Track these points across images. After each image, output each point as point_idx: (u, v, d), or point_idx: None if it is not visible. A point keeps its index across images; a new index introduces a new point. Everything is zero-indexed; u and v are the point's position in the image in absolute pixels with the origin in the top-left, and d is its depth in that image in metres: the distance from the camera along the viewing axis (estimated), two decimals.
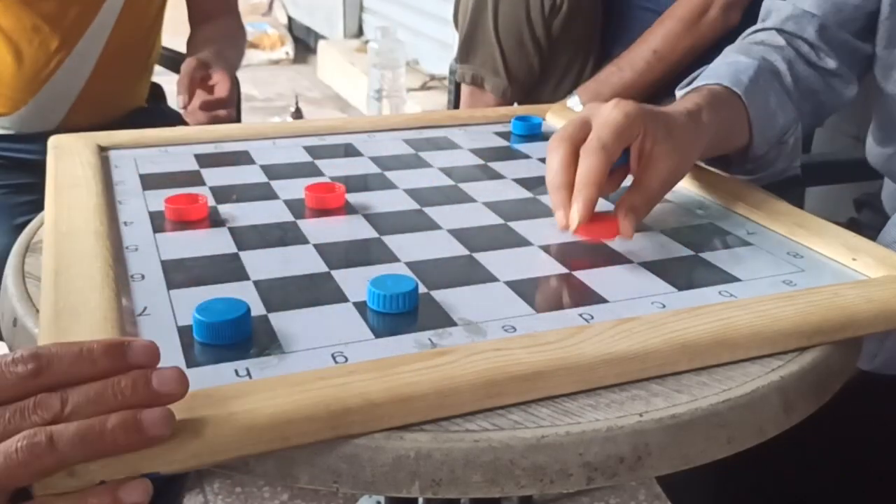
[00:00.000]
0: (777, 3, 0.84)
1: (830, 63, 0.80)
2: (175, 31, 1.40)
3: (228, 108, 1.15)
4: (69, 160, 0.71)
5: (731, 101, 0.72)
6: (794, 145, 0.78)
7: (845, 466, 0.70)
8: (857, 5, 0.80)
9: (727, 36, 1.28)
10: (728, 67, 0.75)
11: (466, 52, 1.39)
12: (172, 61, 1.52)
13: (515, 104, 1.42)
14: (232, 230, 0.62)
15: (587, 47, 1.40)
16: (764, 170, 0.77)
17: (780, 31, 0.82)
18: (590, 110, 0.63)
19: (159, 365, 0.39)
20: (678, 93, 0.78)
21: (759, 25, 0.85)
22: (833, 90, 0.82)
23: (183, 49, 1.49)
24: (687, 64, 1.30)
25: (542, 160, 0.80)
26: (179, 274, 0.55)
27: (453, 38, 1.45)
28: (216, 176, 0.73)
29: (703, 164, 0.76)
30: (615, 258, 0.59)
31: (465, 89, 1.41)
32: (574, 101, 1.29)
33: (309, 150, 0.81)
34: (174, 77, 1.53)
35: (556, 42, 1.36)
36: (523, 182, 0.74)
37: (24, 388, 0.36)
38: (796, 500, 0.72)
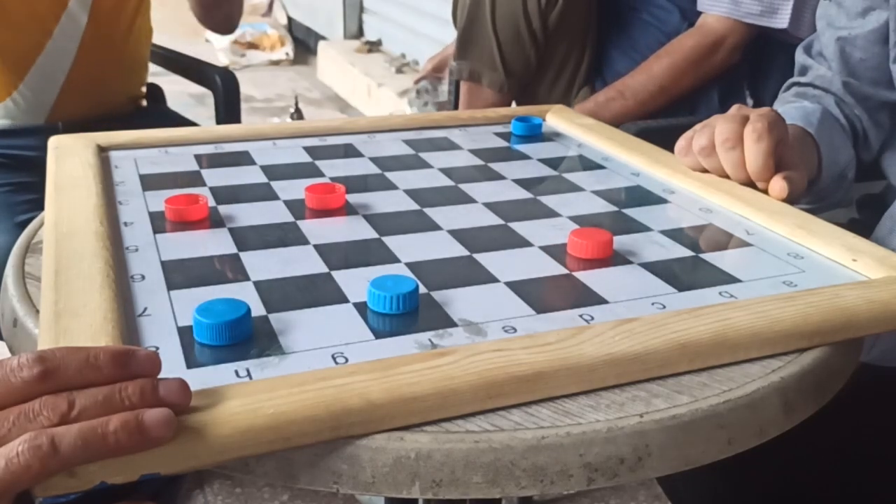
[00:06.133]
0: (808, 60, 0.92)
1: (861, 114, 0.88)
2: (174, 33, 1.41)
3: None
4: (69, 160, 0.71)
5: (806, 139, 0.80)
6: (850, 179, 0.87)
7: (846, 466, 0.70)
8: (861, 59, 0.87)
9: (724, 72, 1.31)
10: (797, 111, 0.84)
11: (464, 47, 1.39)
12: (170, 61, 1.53)
13: (513, 101, 1.42)
14: (232, 230, 0.62)
15: (583, 42, 1.40)
16: (823, 201, 0.86)
17: (814, 86, 0.90)
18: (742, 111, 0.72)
19: (161, 369, 0.39)
20: None
21: (795, 79, 0.94)
22: (867, 141, 0.90)
23: (181, 49, 1.50)
24: (686, 96, 1.32)
25: (543, 161, 0.80)
26: (179, 274, 0.54)
27: (453, 39, 1.46)
28: (216, 176, 0.73)
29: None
30: (615, 258, 0.59)
31: (463, 86, 1.42)
32: None
33: (309, 150, 0.81)
34: (173, 77, 1.54)
35: (552, 35, 1.36)
36: (523, 183, 0.74)
37: (30, 392, 0.36)
38: (797, 501, 0.72)
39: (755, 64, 1.33)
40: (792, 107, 0.86)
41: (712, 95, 1.33)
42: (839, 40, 0.87)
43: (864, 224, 0.93)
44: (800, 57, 0.95)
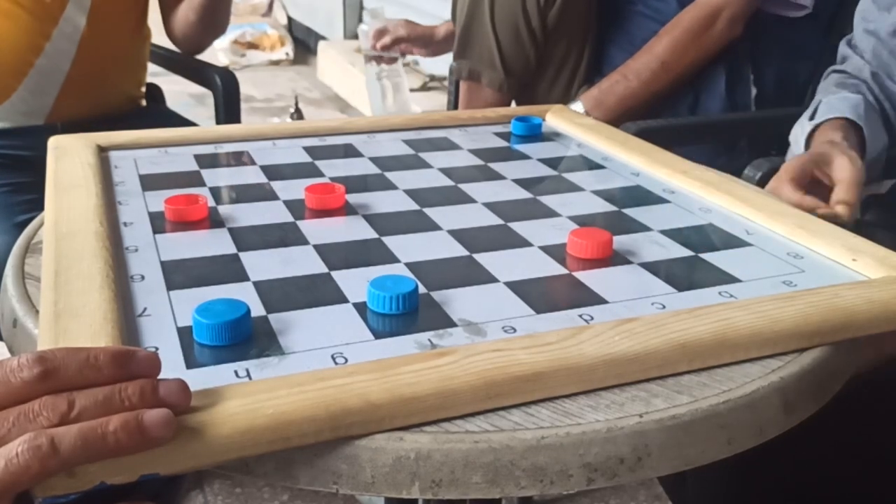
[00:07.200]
0: (847, 51, 0.99)
1: (887, 106, 0.94)
2: None
3: None
4: (69, 161, 0.71)
5: (853, 130, 0.88)
6: (883, 161, 0.94)
7: (849, 465, 0.70)
8: (887, 52, 0.93)
9: (727, 47, 1.29)
10: (842, 102, 0.91)
11: (463, 46, 1.39)
12: (170, 61, 1.53)
13: (513, 101, 1.42)
14: (232, 231, 0.62)
15: (582, 40, 1.40)
16: None
17: (850, 74, 0.96)
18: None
19: (161, 369, 0.39)
20: (807, 123, 0.93)
21: (835, 67, 1.01)
22: (892, 128, 0.95)
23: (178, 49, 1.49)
24: (690, 74, 1.31)
25: (542, 161, 0.80)
26: (179, 275, 0.54)
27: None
28: (216, 176, 0.73)
29: (707, 167, 0.76)
30: (615, 258, 0.59)
31: (463, 85, 1.42)
32: (577, 107, 1.29)
33: (309, 150, 0.81)
34: (173, 77, 1.54)
35: (551, 34, 1.36)
36: (523, 183, 0.74)
37: (29, 392, 0.36)
38: (799, 500, 0.72)
39: (757, 44, 1.32)
40: (836, 98, 0.91)
41: (718, 77, 1.32)
42: (867, 32, 0.94)
43: (868, 224, 0.93)
44: (842, 48, 1.00)
